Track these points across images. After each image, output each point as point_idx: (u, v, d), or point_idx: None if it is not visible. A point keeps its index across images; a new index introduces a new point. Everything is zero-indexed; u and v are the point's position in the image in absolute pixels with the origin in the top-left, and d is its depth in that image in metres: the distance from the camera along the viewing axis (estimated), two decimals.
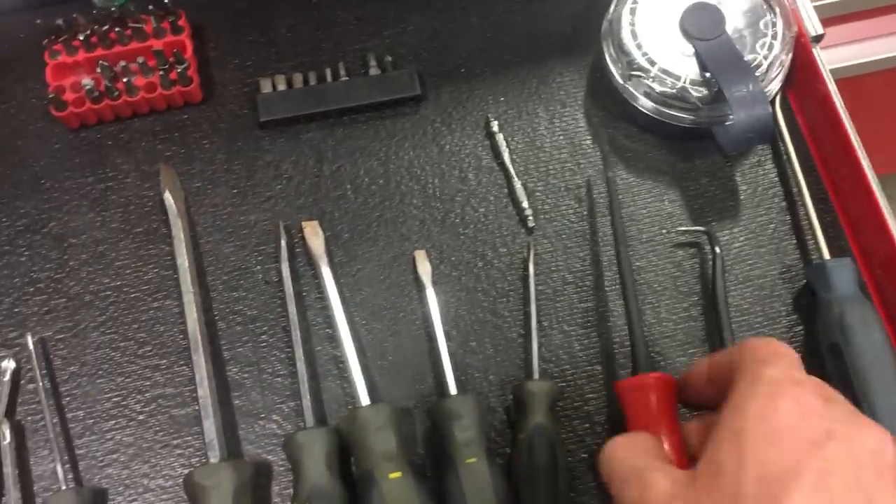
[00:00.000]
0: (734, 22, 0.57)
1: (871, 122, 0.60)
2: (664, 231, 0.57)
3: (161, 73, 0.58)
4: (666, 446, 0.41)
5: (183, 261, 0.55)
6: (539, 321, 0.55)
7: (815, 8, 0.60)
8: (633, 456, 0.38)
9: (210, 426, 0.50)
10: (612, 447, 0.39)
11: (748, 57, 0.56)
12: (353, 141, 0.60)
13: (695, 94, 0.56)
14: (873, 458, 0.32)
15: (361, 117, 0.61)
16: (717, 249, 0.55)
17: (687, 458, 0.42)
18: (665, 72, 0.56)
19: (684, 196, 0.58)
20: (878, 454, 0.32)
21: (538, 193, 0.58)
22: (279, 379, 0.53)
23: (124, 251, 0.57)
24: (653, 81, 0.57)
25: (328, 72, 0.61)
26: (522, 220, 0.57)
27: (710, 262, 0.56)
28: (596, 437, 0.52)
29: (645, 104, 0.58)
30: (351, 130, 0.60)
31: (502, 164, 0.59)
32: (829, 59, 0.59)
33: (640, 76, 0.57)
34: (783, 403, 0.34)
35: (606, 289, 0.56)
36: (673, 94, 0.56)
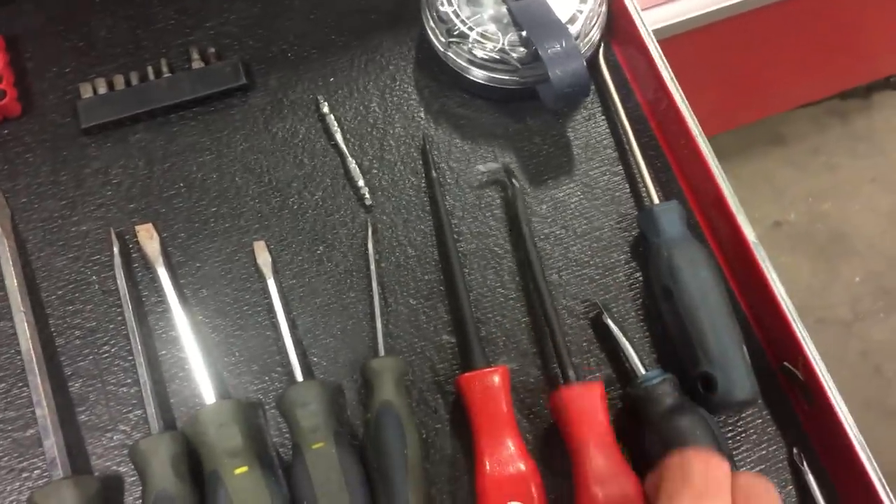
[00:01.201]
0: None
1: (692, 84, 0.61)
2: (502, 195, 0.58)
3: None
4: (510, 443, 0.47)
5: (11, 281, 0.53)
6: (384, 298, 0.55)
7: None
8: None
9: (51, 445, 0.49)
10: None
11: (564, 9, 0.56)
12: (182, 138, 0.59)
13: (514, 55, 0.56)
14: None
15: (189, 113, 0.59)
16: (516, 183, 0.56)
17: (527, 453, 0.47)
18: (484, 36, 0.56)
19: (519, 157, 0.59)
20: None
21: (375, 170, 0.58)
22: (124, 388, 0.52)
23: None
24: (473, 46, 0.56)
25: (150, 70, 0.60)
26: (360, 198, 0.57)
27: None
28: (448, 407, 0.52)
29: (470, 70, 0.58)
30: (180, 128, 0.59)
31: (336, 145, 0.58)
32: (655, 19, 0.60)
33: (459, 42, 0.57)
34: None
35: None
36: (494, 58, 0.57)
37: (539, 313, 0.54)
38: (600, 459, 0.46)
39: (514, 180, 0.56)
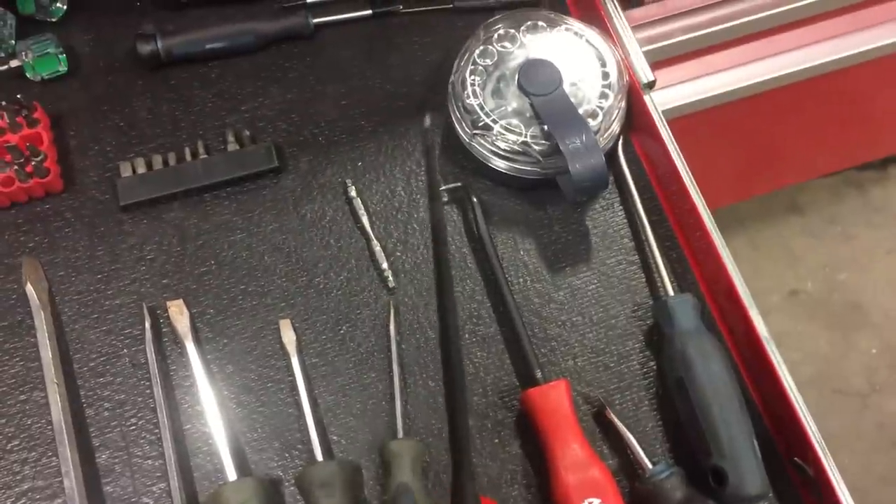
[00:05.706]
0: (569, 76, 0.60)
1: (709, 157, 0.63)
2: (521, 280, 0.60)
3: (16, 167, 0.59)
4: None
5: (46, 353, 0.55)
6: (403, 379, 0.56)
7: (646, 53, 0.63)
8: None
9: None
10: None
11: (585, 107, 0.59)
12: (215, 217, 0.61)
13: (536, 148, 0.58)
14: None
15: (223, 193, 0.62)
16: (474, 199, 0.60)
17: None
18: (507, 128, 0.59)
19: (538, 244, 0.61)
20: None
21: (399, 253, 0.60)
22: (149, 461, 0.54)
23: None
24: (496, 138, 0.59)
25: (187, 151, 0.62)
26: (383, 280, 0.59)
27: None
28: None
29: (492, 160, 0.60)
30: (213, 207, 0.62)
31: (362, 228, 0.61)
32: (666, 100, 0.62)
33: (484, 134, 0.59)
34: None
35: (466, 340, 0.57)
36: (516, 150, 0.59)
37: None
38: (569, 450, 0.51)
39: (473, 197, 0.60)
